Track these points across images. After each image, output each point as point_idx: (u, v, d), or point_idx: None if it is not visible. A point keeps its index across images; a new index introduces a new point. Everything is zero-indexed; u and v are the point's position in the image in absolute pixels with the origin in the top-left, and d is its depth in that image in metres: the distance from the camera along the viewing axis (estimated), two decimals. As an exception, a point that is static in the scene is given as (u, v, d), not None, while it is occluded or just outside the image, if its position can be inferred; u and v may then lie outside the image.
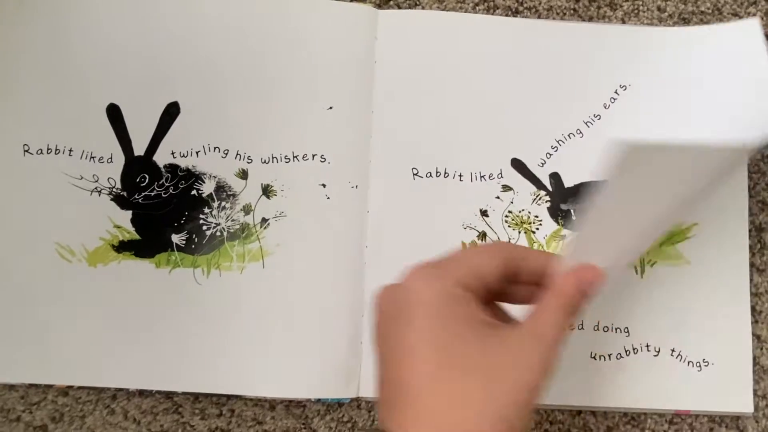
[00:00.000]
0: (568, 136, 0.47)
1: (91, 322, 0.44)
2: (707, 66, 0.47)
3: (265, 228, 0.45)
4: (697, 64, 0.48)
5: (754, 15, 0.50)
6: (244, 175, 0.46)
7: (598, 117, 0.47)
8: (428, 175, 0.46)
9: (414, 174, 0.46)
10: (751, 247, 0.47)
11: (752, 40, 0.47)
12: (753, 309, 0.46)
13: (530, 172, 0.46)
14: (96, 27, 0.47)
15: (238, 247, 0.45)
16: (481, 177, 0.46)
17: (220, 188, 0.45)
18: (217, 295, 0.44)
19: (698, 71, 0.47)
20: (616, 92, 0.47)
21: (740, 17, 0.50)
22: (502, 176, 0.46)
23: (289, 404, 0.45)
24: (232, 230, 0.45)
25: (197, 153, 0.46)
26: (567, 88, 0.47)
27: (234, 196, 0.45)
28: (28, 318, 0.44)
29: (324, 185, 0.45)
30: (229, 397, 0.44)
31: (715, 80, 0.47)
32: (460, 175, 0.46)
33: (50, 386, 0.44)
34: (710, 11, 0.50)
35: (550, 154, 0.47)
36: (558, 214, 0.46)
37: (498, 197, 0.46)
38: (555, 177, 0.46)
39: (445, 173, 0.46)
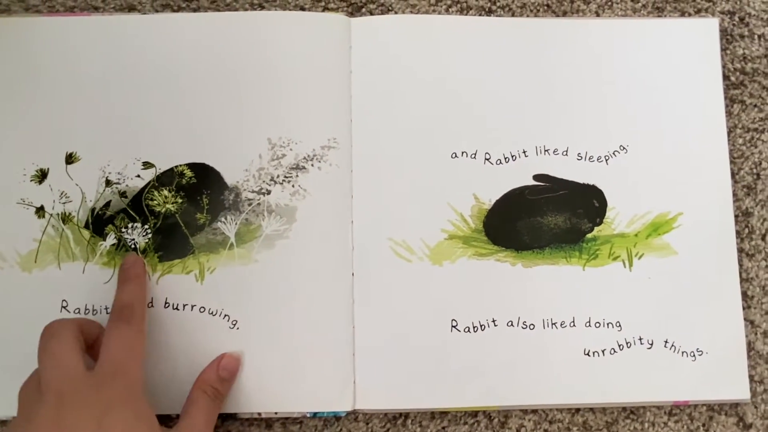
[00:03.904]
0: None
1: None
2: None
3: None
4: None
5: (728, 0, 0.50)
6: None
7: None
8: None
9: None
10: (738, 232, 0.47)
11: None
12: (744, 294, 0.46)
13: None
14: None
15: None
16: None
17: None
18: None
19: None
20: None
21: (714, 2, 0.50)
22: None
23: (286, 421, 0.44)
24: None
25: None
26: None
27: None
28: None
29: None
30: (224, 417, 0.44)
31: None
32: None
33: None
34: (684, -1, 0.50)
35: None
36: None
37: (483, 199, 0.46)
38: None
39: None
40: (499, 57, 0.47)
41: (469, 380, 0.44)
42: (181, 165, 0.46)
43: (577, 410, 0.45)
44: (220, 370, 0.42)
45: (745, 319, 0.46)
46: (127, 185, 0.45)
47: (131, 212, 0.45)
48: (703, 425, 0.45)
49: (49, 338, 0.37)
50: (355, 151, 0.46)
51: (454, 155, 0.46)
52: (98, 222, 0.45)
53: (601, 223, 0.46)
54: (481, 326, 0.44)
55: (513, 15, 0.49)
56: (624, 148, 0.47)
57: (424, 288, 0.45)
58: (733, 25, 0.50)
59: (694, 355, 0.45)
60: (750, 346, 0.45)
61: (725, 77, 0.49)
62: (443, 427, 0.44)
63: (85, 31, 0.47)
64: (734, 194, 0.47)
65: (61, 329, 0.38)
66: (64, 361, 0.36)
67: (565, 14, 0.49)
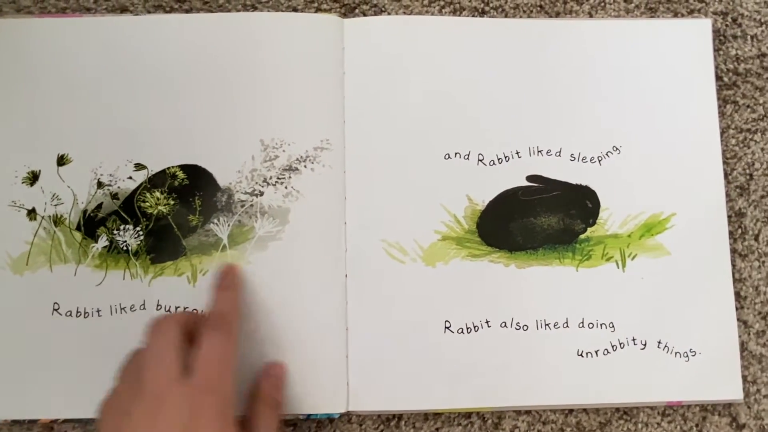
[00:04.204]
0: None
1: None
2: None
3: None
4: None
5: (720, 1, 0.50)
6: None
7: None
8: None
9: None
10: (731, 232, 0.47)
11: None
12: (737, 295, 0.46)
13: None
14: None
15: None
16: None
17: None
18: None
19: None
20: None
21: (707, 3, 0.50)
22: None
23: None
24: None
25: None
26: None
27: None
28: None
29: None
30: (217, 420, 0.44)
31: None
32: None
33: (34, 422, 0.43)
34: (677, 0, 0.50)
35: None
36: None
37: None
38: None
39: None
40: (492, 58, 0.47)
41: (463, 381, 0.44)
42: (173, 166, 0.45)
43: (571, 411, 0.45)
44: (275, 380, 0.43)
45: (738, 319, 0.46)
46: (119, 187, 0.45)
47: (123, 214, 0.45)
48: (697, 425, 0.45)
49: (154, 336, 0.38)
50: (348, 153, 0.46)
51: (447, 156, 0.46)
52: (90, 224, 0.45)
53: (594, 223, 0.46)
54: (474, 327, 0.44)
55: (506, 16, 0.49)
56: (617, 148, 0.47)
57: (417, 289, 0.45)
58: (726, 25, 0.50)
59: (687, 356, 0.45)
60: (743, 347, 0.46)
61: (718, 78, 0.49)
62: (437, 429, 0.44)
63: (77, 33, 0.47)
64: (727, 195, 0.47)
65: (165, 328, 0.38)
66: (164, 363, 0.36)
67: (558, 15, 0.49)
